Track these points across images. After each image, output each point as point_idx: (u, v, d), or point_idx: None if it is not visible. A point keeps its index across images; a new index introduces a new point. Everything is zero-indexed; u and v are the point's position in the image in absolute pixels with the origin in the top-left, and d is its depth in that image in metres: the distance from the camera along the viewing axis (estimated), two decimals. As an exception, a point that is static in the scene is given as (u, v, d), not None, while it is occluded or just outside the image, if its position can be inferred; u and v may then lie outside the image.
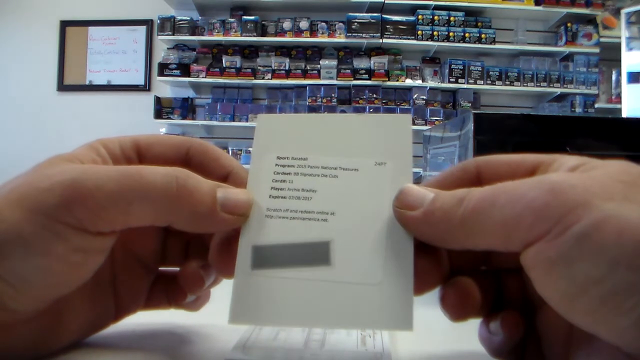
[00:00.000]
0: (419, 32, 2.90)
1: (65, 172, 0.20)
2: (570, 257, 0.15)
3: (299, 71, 2.93)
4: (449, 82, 2.92)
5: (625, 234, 0.15)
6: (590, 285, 0.15)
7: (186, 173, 0.21)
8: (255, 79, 2.93)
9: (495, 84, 2.91)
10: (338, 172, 0.23)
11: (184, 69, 2.92)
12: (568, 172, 0.19)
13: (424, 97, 2.97)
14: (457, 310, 0.21)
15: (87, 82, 3.19)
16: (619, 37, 1.58)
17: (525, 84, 2.91)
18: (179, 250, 0.26)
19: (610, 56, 2.70)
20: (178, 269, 0.25)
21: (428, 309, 0.23)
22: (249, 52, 3.04)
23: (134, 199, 0.19)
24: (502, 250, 0.18)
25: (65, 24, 3.18)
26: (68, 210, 0.19)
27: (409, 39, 2.92)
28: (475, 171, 0.22)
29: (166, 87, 3.12)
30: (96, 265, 0.21)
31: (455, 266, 0.22)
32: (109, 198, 0.19)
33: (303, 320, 0.21)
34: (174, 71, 2.93)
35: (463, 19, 2.92)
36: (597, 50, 2.90)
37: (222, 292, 0.25)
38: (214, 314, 0.26)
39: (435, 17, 2.91)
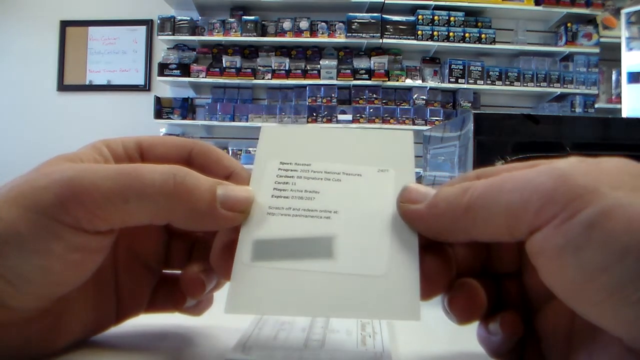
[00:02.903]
0: (419, 32, 2.90)
1: (62, 170, 0.20)
2: (578, 243, 0.15)
3: (299, 71, 2.93)
4: (449, 82, 2.92)
5: (635, 223, 0.15)
6: (597, 273, 0.15)
7: (185, 170, 0.21)
8: (255, 79, 2.93)
9: (495, 84, 2.91)
10: (341, 177, 0.23)
11: (184, 69, 2.92)
12: (576, 162, 0.18)
13: (424, 97, 2.97)
14: (465, 313, 0.21)
15: (87, 82, 3.19)
16: (619, 37, 1.58)
17: (525, 84, 2.91)
18: (183, 253, 0.26)
19: (610, 56, 2.70)
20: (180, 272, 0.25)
21: (428, 309, 0.23)
22: (249, 52, 3.04)
23: (131, 197, 0.19)
24: (508, 239, 0.18)
25: (65, 24, 3.18)
26: (65, 209, 0.19)
27: (409, 39, 2.92)
28: (476, 180, 0.22)
29: (166, 87, 3.12)
30: (96, 264, 0.21)
31: (457, 271, 0.22)
32: (106, 196, 0.19)
33: (304, 310, 0.20)
34: (174, 71, 2.93)
35: (463, 19, 2.92)
36: (597, 50, 2.90)
37: (221, 293, 0.25)
38: (214, 314, 0.26)
39: (435, 17, 2.91)
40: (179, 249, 0.26)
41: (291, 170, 0.24)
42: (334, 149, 0.25)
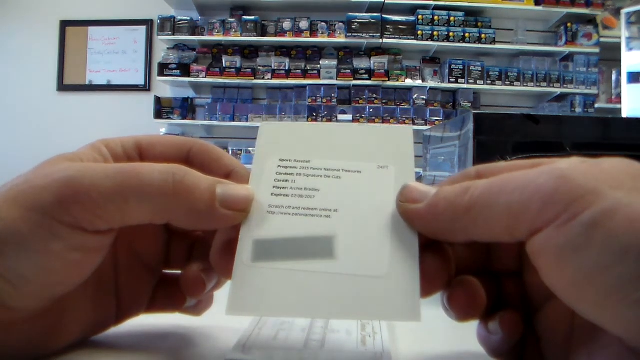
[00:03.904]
0: (419, 32, 2.90)
1: (62, 170, 0.20)
2: (579, 244, 0.15)
3: (299, 71, 2.93)
4: (449, 82, 2.92)
5: (636, 223, 0.15)
6: (598, 273, 0.15)
7: (184, 170, 0.21)
8: (255, 79, 2.93)
9: (495, 84, 2.91)
10: (341, 174, 0.23)
11: (184, 69, 2.92)
12: (576, 162, 0.18)
13: (424, 97, 2.97)
14: (464, 310, 0.21)
15: (87, 82, 3.19)
16: (619, 37, 1.58)
17: (525, 84, 2.91)
18: (183, 253, 0.26)
19: (610, 56, 2.70)
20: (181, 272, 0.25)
21: (428, 309, 0.23)
22: (249, 52, 3.04)
23: (130, 197, 0.19)
24: (508, 240, 0.18)
25: (65, 24, 3.18)
26: (64, 209, 0.19)
27: (409, 39, 2.92)
28: (476, 176, 0.22)
29: (166, 87, 3.12)
30: (95, 263, 0.21)
31: (457, 269, 0.22)
32: (105, 196, 0.19)
33: (305, 311, 0.20)
34: (174, 71, 2.92)
35: (463, 19, 2.92)
36: (597, 50, 2.90)
37: (222, 293, 0.25)
38: (214, 314, 0.26)
39: (435, 17, 2.91)
40: (180, 248, 0.26)
41: (291, 168, 0.24)
42: (333, 145, 0.24)
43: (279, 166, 0.24)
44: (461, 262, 0.22)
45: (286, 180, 0.23)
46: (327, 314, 0.21)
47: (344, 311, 0.20)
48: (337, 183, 0.23)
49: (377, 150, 0.24)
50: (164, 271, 0.26)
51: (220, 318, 0.22)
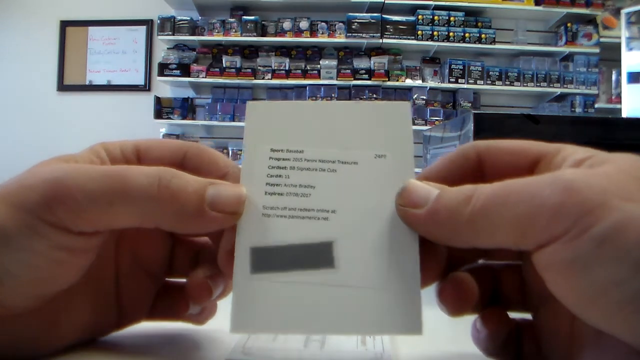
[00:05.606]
0: (419, 32, 2.90)
1: (51, 171, 0.20)
2: (590, 259, 0.15)
3: (299, 71, 2.93)
4: (449, 82, 2.92)
5: None
6: (610, 288, 0.15)
7: (171, 173, 0.20)
8: (255, 79, 2.93)
9: (495, 84, 2.91)
10: (337, 166, 0.22)
11: (184, 69, 2.92)
12: (581, 169, 0.18)
13: (424, 97, 2.97)
14: (455, 303, 0.21)
15: (87, 82, 3.18)
16: (619, 37, 1.58)
17: (525, 84, 2.91)
18: (188, 261, 0.25)
19: (610, 56, 2.70)
20: (185, 280, 0.25)
21: (428, 309, 0.23)
22: (249, 52, 3.04)
23: (115, 200, 0.19)
24: (513, 248, 0.18)
25: (65, 24, 3.17)
26: (49, 209, 0.19)
27: (409, 39, 2.92)
28: (476, 158, 0.22)
29: (166, 87, 3.12)
30: (83, 264, 0.21)
31: (453, 260, 0.22)
32: (89, 198, 0.19)
33: (309, 328, 0.20)
34: (174, 71, 2.93)
35: (463, 19, 2.92)
36: (597, 50, 2.90)
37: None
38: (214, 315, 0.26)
39: (435, 17, 2.91)
40: (184, 256, 0.25)
41: (283, 160, 0.22)
42: (327, 128, 0.23)
43: (270, 158, 0.22)
44: (458, 252, 0.22)
45: (279, 176, 0.22)
46: (330, 331, 0.20)
47: (346, 327, 0.20)
48: (333, 178, 0.22)
49: (374, 132, 0.23)
50: (166, 279, 0.26)
51: (219, 319, 0.22)
